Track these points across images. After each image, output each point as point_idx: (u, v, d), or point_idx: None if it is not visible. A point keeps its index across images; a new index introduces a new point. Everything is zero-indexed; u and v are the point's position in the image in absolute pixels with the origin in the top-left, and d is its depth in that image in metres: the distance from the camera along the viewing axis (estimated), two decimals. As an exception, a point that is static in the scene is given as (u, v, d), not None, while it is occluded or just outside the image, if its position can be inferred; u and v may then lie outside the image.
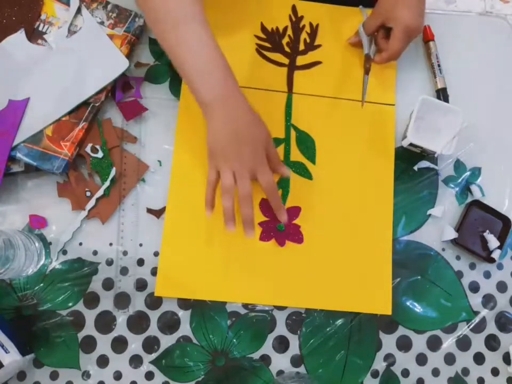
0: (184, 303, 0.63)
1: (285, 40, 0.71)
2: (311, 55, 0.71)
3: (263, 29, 0.71)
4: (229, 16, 0.71)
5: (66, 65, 0.65)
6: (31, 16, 0.66)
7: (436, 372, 0.63)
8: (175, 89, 0.68)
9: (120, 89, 0.67)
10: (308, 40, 0.71)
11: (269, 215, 0.65)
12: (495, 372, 0.64)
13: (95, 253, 0.63)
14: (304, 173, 0.67)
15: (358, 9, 0.73)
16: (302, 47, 0.71)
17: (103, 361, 0.61)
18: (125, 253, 0.63)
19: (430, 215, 0.67)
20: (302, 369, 0.62)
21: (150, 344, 0.62)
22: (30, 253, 0.59)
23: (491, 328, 0.65)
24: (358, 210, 0.66)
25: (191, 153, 0.66)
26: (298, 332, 0.63)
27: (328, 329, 0.63)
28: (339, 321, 0.63)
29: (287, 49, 0.71)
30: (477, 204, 0.67)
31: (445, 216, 0.67)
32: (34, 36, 0.66)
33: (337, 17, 0.72)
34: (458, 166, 0.69)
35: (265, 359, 0.62)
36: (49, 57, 0.65)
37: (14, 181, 0.64)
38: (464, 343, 0.64)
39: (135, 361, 0.61)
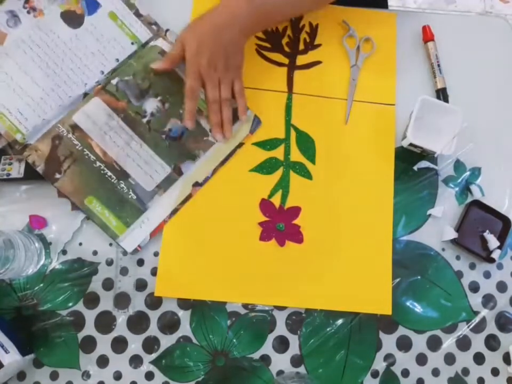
0: (184, 303, 0.63)
1: (285, 40, 0.71)
2: (311, 55, 0.71)
3: (263, 29, 0.71)
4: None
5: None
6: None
7: (435, 372, 0.63)
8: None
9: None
10: (308, 40, 0.71)
11: (269, 215, 0.65)
12: (495, 371, 0.64)
13: (95, 253, 0.63)
14: (304, 173, 0.67)
15: (357, 10, 0.73)
16: (301, 46, 0.71)
17: (103, 361, 0.61)
18: (124, 253, 0.63)
19: (430, 215, 0.67)
20: (302, 369, 0.62)
21: (150, 344, 0.62)
22: (30, 253, 0.59)
23: (491, 328, 0.65)
24: (358, 210, 0.66)
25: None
26: (298, 332, 0.63)
27: (328, 329, 0.63)
28: (339, 321, 0.63)
29: (286, 49, 0.71)
30: (477, 203, 0.67)
31: (444, 216, 0.67)
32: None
33: (337, 17, 0.72)
34: (458, 166, 0.69)
35: (265, 359, 0.62)
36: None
37: (14, 181, 0.64)
38: (464, 343, 0.64)
39: (135, 361, 0.61)
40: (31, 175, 0.62)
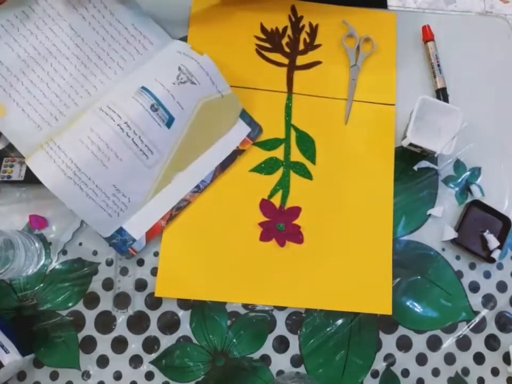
0: (184, 303, 0.63)
1: (285, 41, 0.71)
2: (311, 55, 0.71)
3: (263, 29, 0.71)
4: (229, 17, 0.71)
5: None
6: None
7: (435, 372, 0.63)
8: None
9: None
10: (308, 40, 0.71)
11: (269, 215, 0.65)
12: (495, 371, 0.64)
13: (95, 253, 0.63)
14: (304, 173, 0.67)
15: (357, 10, 0.73)
16: (301, 46, 0.71)
17: (103, 361, 0.61)
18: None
19: (430, 215, 0.67)
20: (302, 369, 0.62)
21: (150, 344, 0.62)
22: (30, 253, 0.59)
23: (491, 328, 0.65)
24: (358, 210, 0.66)
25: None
26: (298, 332, 0.63)
27: (328, 329, 0.63)
28: (339, 321, 0.63)
29: (286, 49, 0.71)
30: (477, 203, 0.67)
31: (445, 216, 0.67)
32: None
33: (337, 17, 0.72)
34: (458, 166, 0.69)
35: (265, 359, 0.62)
36: None
37: (14, 183, 0.64)
38: (464, 343, 0.64)
39: (135, 361, 0.61)
40: (31, 178, 0.62)
